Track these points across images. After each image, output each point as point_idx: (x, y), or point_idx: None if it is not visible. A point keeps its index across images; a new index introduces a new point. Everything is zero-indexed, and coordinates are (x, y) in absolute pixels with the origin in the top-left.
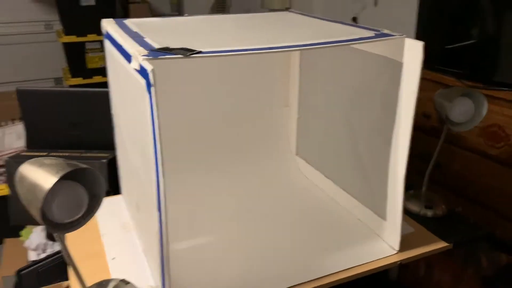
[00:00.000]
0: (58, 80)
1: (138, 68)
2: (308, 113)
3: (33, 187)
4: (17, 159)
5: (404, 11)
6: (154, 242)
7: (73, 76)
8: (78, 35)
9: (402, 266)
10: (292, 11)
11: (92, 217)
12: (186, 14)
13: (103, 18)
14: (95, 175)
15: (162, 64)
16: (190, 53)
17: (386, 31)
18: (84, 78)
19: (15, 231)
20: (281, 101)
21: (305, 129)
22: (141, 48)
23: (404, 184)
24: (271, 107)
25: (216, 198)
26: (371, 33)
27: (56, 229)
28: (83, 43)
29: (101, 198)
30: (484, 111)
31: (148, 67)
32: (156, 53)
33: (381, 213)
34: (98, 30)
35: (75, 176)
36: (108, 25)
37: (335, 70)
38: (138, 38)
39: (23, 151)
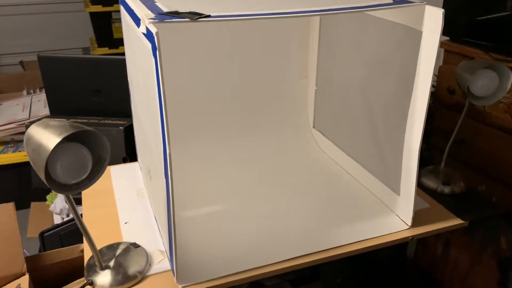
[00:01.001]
0: (85, 50)
1: (145, 31)
2: (326, 85)
3: (38, 147)
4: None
5: None
6: (163, 209)
7: (100, 46)
8: (104, 5)
9: (420, 244)
10: None
11: (109, 182)
12: None
13: None
14: (100, 138)
15: (172, 29)
16: (198, 17)
17: None
18: (110, 48)
19: (41, 195)
20: (299, 72)
21: (322, 101)
22: (149, 12)
23: (418, 159)
24: (289, 78)
25: (228, 168)
26: (389, 0)
27: (61, 190)
28: (109, 12)
29: (106, 160)
30: (509, 85)
31: (153, 30)
32: (163, 16)
33: (395, 188)
34: None
35: (79, 138)
36: None
37: (353, 40)
38: (149, 3)
39: (45, 116)
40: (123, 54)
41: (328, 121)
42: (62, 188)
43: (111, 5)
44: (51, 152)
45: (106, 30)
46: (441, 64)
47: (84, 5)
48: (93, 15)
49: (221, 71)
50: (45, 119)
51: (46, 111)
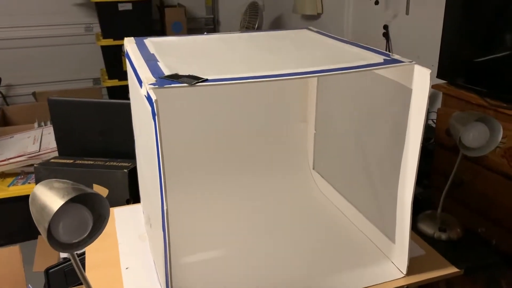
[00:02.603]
0: (96, 81)
1: (146, 94)
2: (325, 129)
3: (42, 209)
4: (46, 166)
5: (436, 21)
6: (161, 258)
7: (110, 77)
8: (115, 39)
9: (422, 286)
10: (310, 29)
11: (112, 224)
12: (205, 33)
13: (139, 22)
14: (100, 198)
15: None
16: (196, 81)
17: (396, 57)
18: (120, 80)
19: None
20: (299, 117)
21: (321, 144)
22: (150, 75)
23: (411, 209)
24: (289, 122)
25: (227, 211)
26: (380, 59)
27: (63, 249)
28: (119, 46)
29: (106, 219)
30: (499, 138)
31: (153, 96)
32: (163, 81)
33: (390, 235)
34: (134, 34)
35: (81, 199)
36: (128, 44)
37: (349, 91)
38: (152, 62)
39: (53, 158)
40: None
41: (327, 164)
42: (64, 246)
43: (121, 38)
44: (54, 215)
45: (116, 63)
46: (439, 107)
47: (96, 39)
48: (104, 48)
49: (222, 116)
50: (49, 180)
51: (55, 144)
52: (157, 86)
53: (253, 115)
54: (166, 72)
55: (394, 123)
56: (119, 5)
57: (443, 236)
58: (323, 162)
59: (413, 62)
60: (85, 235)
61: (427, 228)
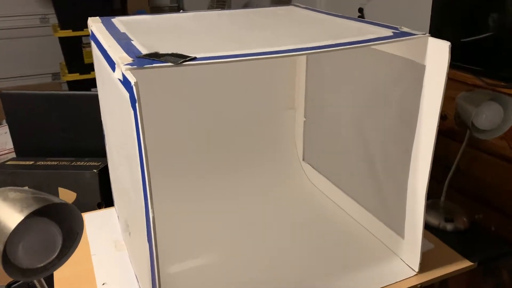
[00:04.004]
0: (55, 76)
1: (121, 78)
2: (316, 116)
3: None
4: (2, 169)
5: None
6: (146, 270)
7: (70, 71)
8: (74, 29)
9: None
10: (297, 5)
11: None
12: (181, 11)
13: (99, 11)
14: (71, 209)
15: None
16: (182, 60)
17: (405, 29)
18: (81, 73)
19: None
20: (286, 103)
21: (312, 133)
22: (125, 55)
23: (425, 202)
24: (275, 109)
25: (214, 209)
26: (388, 32)
27: (24, 277)
28: (79, 37)
29: (79, 235)
30: None
31: (132, 79)
32: (142, 60)
33: (398, 230)
34: None
35: (45, 211)
36: (93, 24)
37: (345, 71)
38: (124, 41)
39: (10, 160)
40: (95, 80)
41: (319, 154)
42: (26, 273)
43: (81, 29)
44: (11, 234)
45: (76, 55)
46: None
47: (53, 30)
48: (62, 40)
49: (205, 103)
50: (3, 189)
51: (12, 144)
52: (135, 67)
53: (237, 103)
54: (144, 51)
55: (402, 106)
56: None
57: (449, 226)
58: (315, 153)
59: (427, 34)
60: (53, 257)
61: (431, 219)
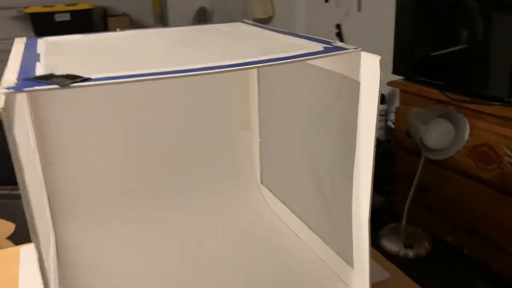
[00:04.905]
0: None
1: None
2: (270, 136)
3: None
4: None
5: (388, 16)
6: None
7: None
8: None
9: None
10: (246, 21)
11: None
12: (117, 29)
13: (79, 33)
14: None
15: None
16: (71, 81)
17: (338, 44)
18: None
19: None
20: (240, 123)
21: (268, 155)
22: (11, 77)
23: (368, 226)
24: (229, 130)
25: (158, 241)
26: (319, 47)
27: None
28: None
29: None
30: (466, 136)
31: (0, 103)
32: (27, 83)
33: (348, 258)
34: None
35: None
36: (16, 45)
37: (292, 88)
38: (29, 63)
39: None
40: None
41: (275, 176)
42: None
43: None
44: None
45: None
46: (397, 105)
47: None
48: None
49: (148, 124)
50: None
51: None
52: (12, 91)
53: (188, 123)
54: (41, 72)
55: (343, 124)
56: (56, 15)
57: (410, 253)
58: (272, 175)
59: (359, 48)
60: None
61: (391, 245)
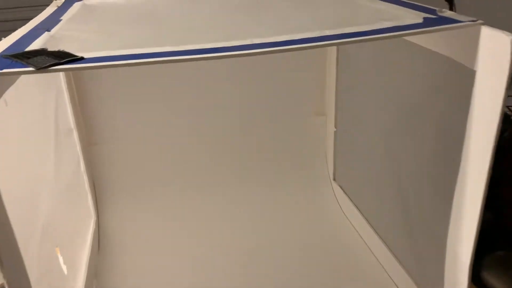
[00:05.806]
0: None
1: None
2: (347, 127)
3: None
4: None
5: None
6: None
7: None
8: None
9: None
10: None
11: None
12: None
13: None
14: None
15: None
16: (50, 64)
17: (446, 14)
18: None
19: None
20: (313, 107)
21: (344, 148)
22: None
23: (469, 271)
24: (300, 114)
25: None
26: (418, 18)
27: None
28: None
29: None
30: None
31: None
32: (2, 62)
33: None
34: None
35: None
36: (47, 8)
37: (378, 71)
38: (38, 31)
39: None
40: None
41: (350, 175)
42: None
43: None
44: None
45: None
46: None
47: None
48: None
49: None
50: None
51: None
52: None
53: (249, 103)
54: (37, 46)
55: (442, 124)
56: None
57: None
58: (346, 173)
59: (479, 21)
60: None
61: (498, 283)
